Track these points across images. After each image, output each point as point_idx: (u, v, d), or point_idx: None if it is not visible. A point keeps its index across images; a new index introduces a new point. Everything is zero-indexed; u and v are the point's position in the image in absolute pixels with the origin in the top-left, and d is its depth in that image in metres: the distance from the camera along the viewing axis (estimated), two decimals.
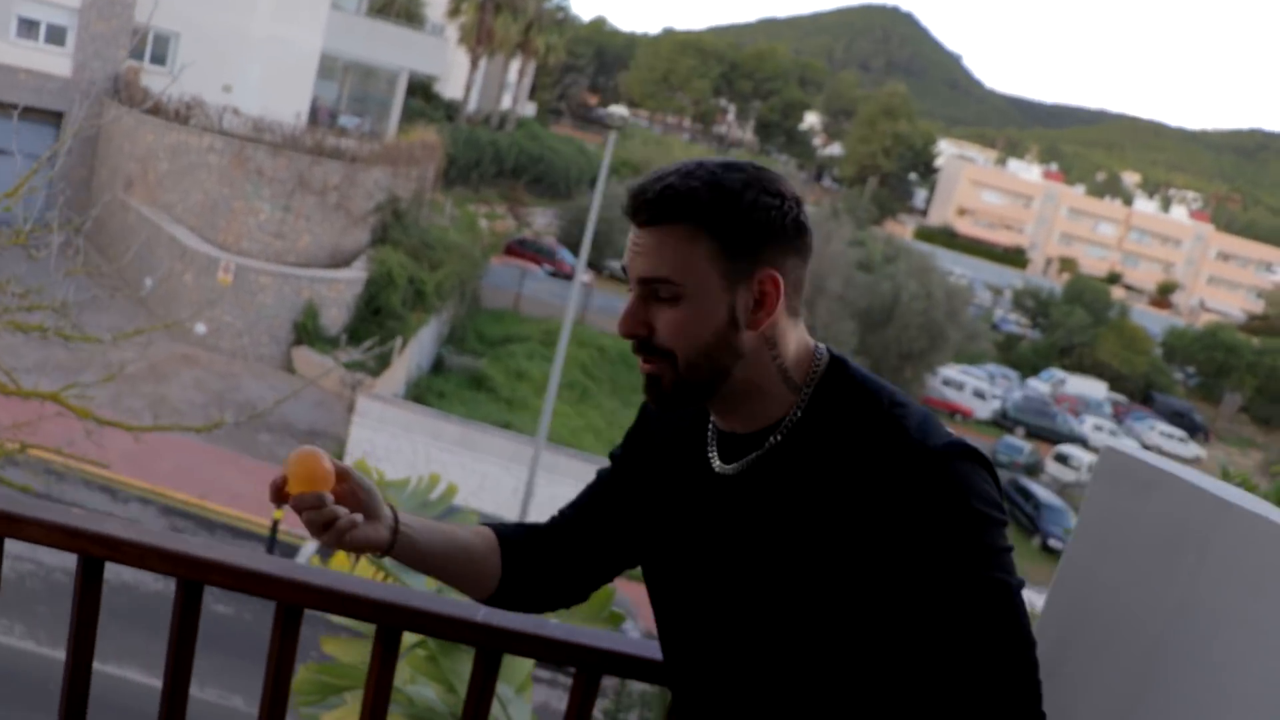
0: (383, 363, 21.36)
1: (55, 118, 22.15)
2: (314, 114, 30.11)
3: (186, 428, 5.85)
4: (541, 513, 19.09)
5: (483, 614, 1.62)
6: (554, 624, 1.68)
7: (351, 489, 1.34)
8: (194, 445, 16.96)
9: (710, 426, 1.36)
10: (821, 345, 1.31)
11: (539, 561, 1.50)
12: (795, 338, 1.28)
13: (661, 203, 1.22)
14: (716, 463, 1.32)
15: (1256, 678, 1.40)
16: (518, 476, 18.94)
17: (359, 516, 1.32)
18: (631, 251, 1.25)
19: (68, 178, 22.12)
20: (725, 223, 1.21)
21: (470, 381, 25.23)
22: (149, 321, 15.90)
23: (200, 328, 21.33)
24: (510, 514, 17.91)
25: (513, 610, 1.56)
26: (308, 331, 22.14)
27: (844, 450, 1.21)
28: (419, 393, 23.37)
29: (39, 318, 6.30)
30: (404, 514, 1.39)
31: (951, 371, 41.16)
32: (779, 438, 1.26)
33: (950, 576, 1.13)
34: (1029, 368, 48.42)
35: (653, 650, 1.62)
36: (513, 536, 1.51)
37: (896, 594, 1.15)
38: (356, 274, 23.56)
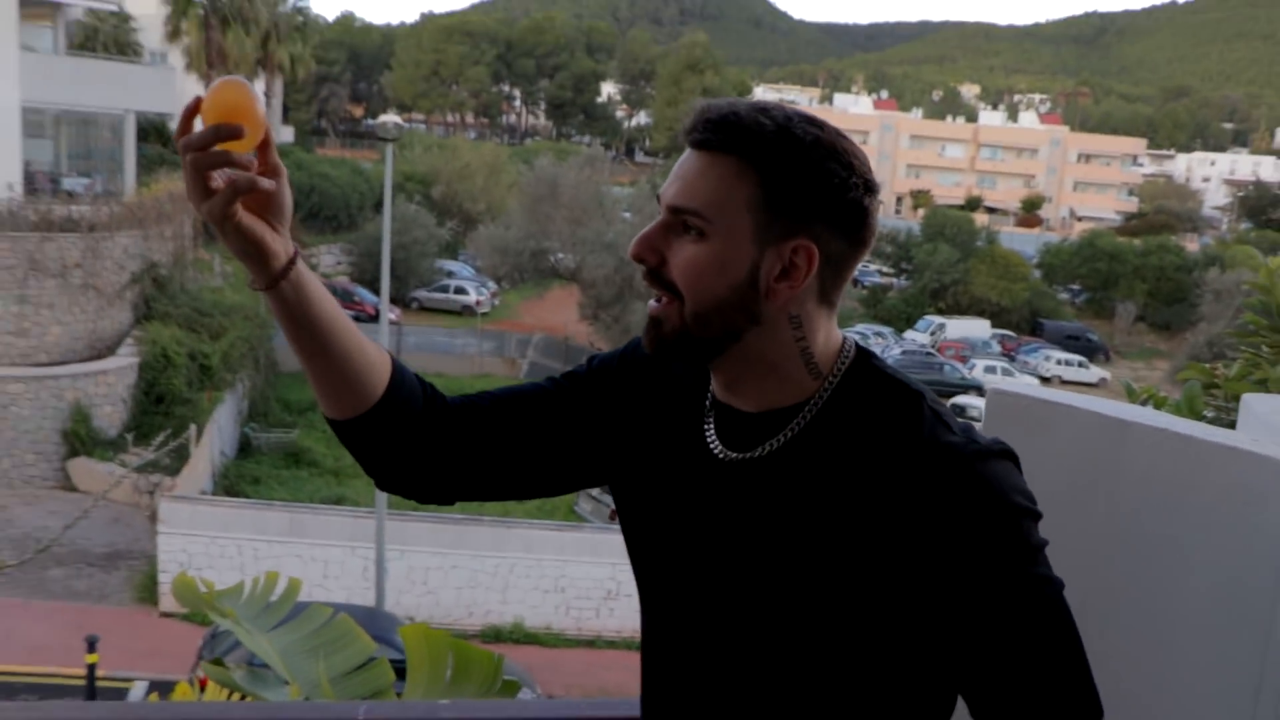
0: (180, 458, 20.93)
1: None
2: (30, 182, 29.14)
3: None
4: (402, 592, 19.05)
5: (363, 711, 1.63)
6: (445, 705, 1.69)
7: (273, 170, 1.27)
8: None
9: (709, 396, 1.39)
10: (850, 337, 1.34)
11: (425, 420, 1.44)
12: (825, 328, 1.30)
13: (723, 126, 1.24)
14: (716, 445, 1.35)
15: (1194, 590, 1.54)
16: (365, 555, 18.85)
17: (266, 182, 1.24)
18: (673, 175, 1.28)
19: None
20: (779, 172, 1.23)
21: (285, 458, 25.01)
22: None
23: None
24: (365, 600, 17.84)
25: (365, 455, 1.45)
26: (81, 439, 21.51)
27: (873, 445, 1.24)
28: (229, 483, 22.97)
29: None
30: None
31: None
32: (800, 425, 1.29)
33: (998, 578, 1.18)
34: (903, 320, 50.02)
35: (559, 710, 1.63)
36: (407, 375, 1.45)
37: (938, 600, 1.20)
38: (125, 360, 23.02)
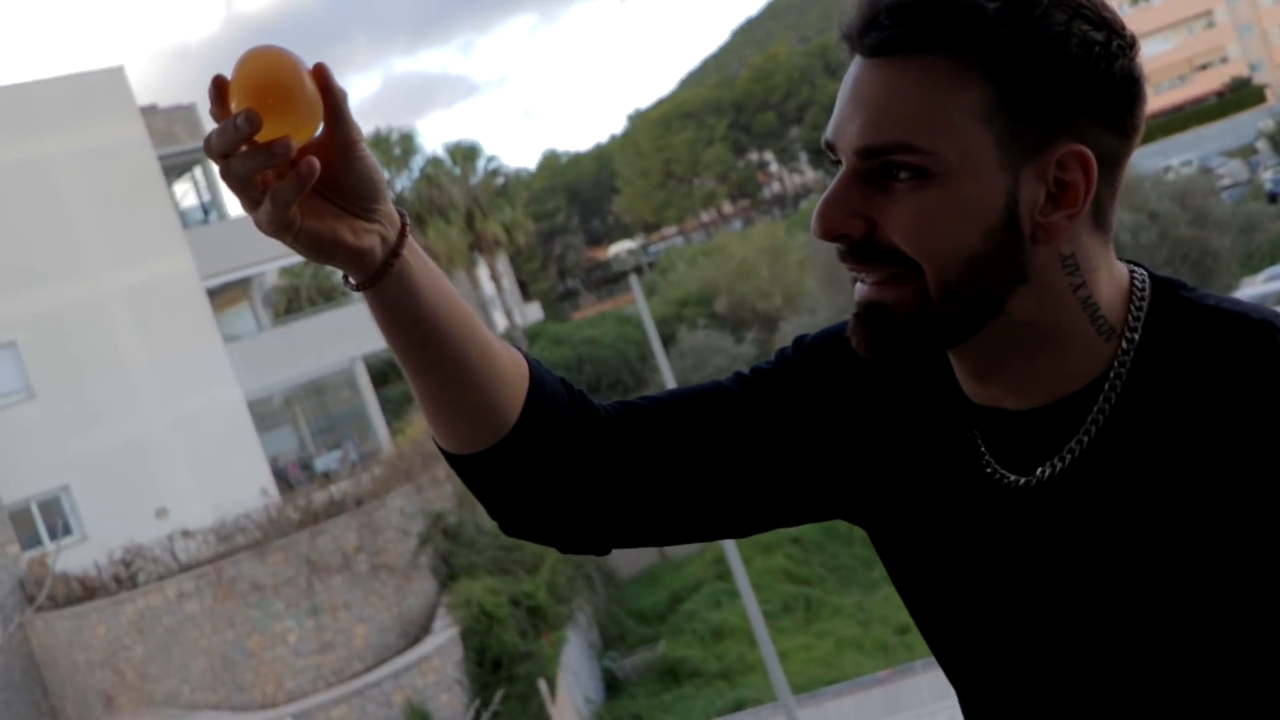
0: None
1: None
2: (281, 477, 31.09)
3: None
4: None
5: None
6: None
7: (341, 144, 1.14)
8: None
9: (961, 397, 1.27)
10: (1141, 269, 1.23)
11: (577, 438, 1.32)
12: (1107, 263, 1.20)
13: (918, 14, 1.10)
14: (994, 468, 1.24)
15: None
16: None
17: (306, 173, 1.09)
18: (848, 104, 1.15)
19: None
20: (1019, 57, 1.10)
21: (661, 678, 25.37)
22: None
23: None
24: None
25: (496, 498, 1.34)
26: None
27: (1216, 414, 1.11)
28: None
29: None
30: (414, 241, 1.21)
31: (1256, 288, 40.07)
32: (1104, 413, 1.17)
33: None
34: None
35: None
36: (549, 379, 1.33)
37: None
38: (444, 635, 23.93)
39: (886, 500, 1.34)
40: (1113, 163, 1.16)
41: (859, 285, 1.18)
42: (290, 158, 1.07)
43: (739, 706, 22.45)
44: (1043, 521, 1.20)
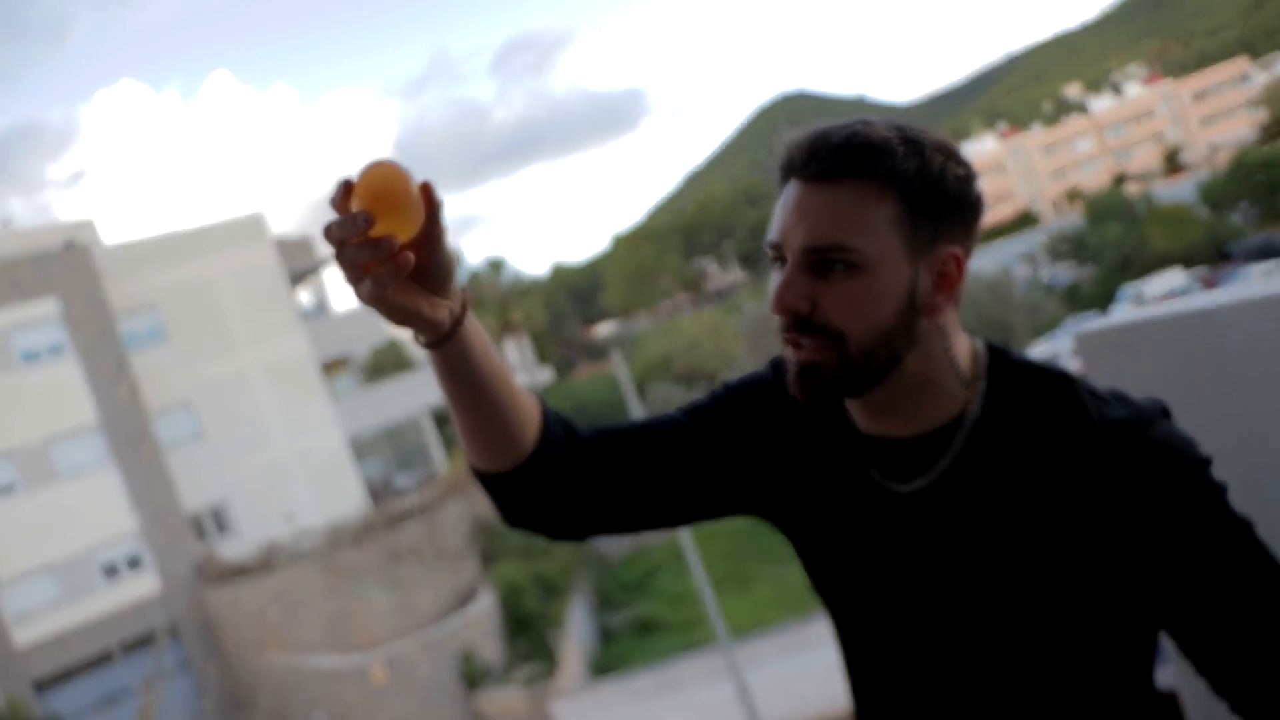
0: (553, 663, 21.23)
1: (171, 633, 23.02)
2: (372, 492, 31.07)
3: None
4: (772, 705, 18.45)
5: None
6: None
7: (430, 241, 1.05)
8: None
9: (852, 428, 1.20)
10: (974, 335, 1.19)
11: (571, 460, 1.24)
12: (958, 332, 1.15)
13: (848, 153, 1.07)
14: (883, 479, 1.17)
15: None
16: (727, 687, 18.42)
17: (405, 266, 1.01)
18: (792, 215, 1.10)
19: (205, 674, 22.77)
20: (917, 184, 1.07)
21: (638, 630, 25.14)
22: None
23: None
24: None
25: (513, 504, 1.24)
26: (474, 675, 22.13)
27: (1043, 442, 1.08)
28: (602, 667, 23.23)
29: None
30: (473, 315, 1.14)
31: (1038, 350, 40.41)
32: (964, 438, 1.12)
33: (1207, 536, 1.03)
34: (1104, 300, 47.21)
35: None
36: (553, 416, 1.25)
37: (1156, 579, 1.05)
38: (485, 602, 23.84)
39: (795, 504, 1.27)
40: (966, 263, 1.14)
41: (793, 350, 1.12)
42: (393, 252, 1.00)
43: (693, 647, 22.33)
44: (918, 520, 1.15)
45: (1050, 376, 1.12)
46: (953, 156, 1.10)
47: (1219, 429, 1.37)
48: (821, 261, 1.08)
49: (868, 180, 1.07)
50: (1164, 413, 1.08)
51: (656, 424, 1.30)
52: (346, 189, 0.99)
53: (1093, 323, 1.55)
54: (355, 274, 1.02)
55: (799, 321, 1.10)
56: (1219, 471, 1.07)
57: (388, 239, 0.98)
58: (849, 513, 1.20)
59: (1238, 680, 1.04)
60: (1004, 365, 1.15)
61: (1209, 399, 1.40)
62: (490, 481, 1.22)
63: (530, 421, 1.20)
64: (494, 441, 1.18)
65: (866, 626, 1.23)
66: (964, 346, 1.15)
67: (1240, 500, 1.05)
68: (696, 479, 1.28)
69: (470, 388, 1.14)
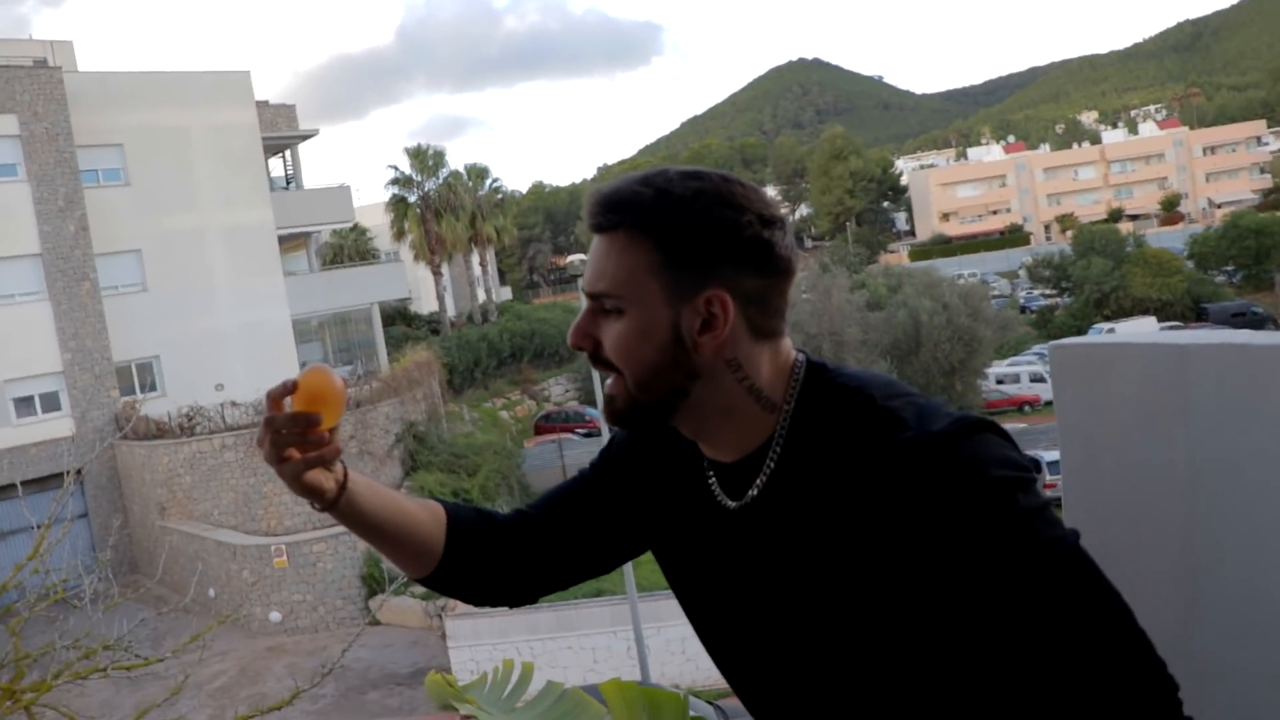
0: None
1: (77, 479, 22.83)
2: None
3: (274, 706, 5.87)
4: (665, 663, 18.82)
5: None
6: None
7: (334, 430, 1.24)
8: None
9: (705, 457, 1.28)
10: (801, 355, 1.21)
11: (488, 551, 1.40)
12: (770, 359, 1.18)
13: (606, 207, 1.17)
14: (721, 496, 1.24)
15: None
16: (626, 638, 18.75)
17: (331, 459, 1.23)
18: (587, 263, 1.21)
19: (104, 525, 22.73)
20: (668, 232, 1.14)
21: None
22: (219, 631, 16.07)
23: (275, 615, 21.52)
24: (632, 674, 17.65)
25: (447, 595, 1.45)
26: (376, 579, 22.26)
27: (842, 460, 1.11)
28: None
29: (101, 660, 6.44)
30: (353, 472, 1.30)
31: (1000, 368, 40.94)
32: (771, 464, 1.18)
33: (1001, 555, 1.03)
34: (1073, 332, 47.69)
35: None
36: (464, 519, 1.40)
37: (956, 594, 1.05)
38: None
39: (657, 528, 1.36)
40: (760, 298, 1.16)
41: (606, 382, 1.22)
42: (325, 442, 1.20)
43: (598, 594, 22.45)
44: (739, 535, 1.21)
45: (852, 393, 1.15)
46: (727, 201, 1.14)
47: (1171, 458, 1.46)
48: (600, 305, 1.18)
49: (620, 231, 1.15)
50: (975, 429, 1.07)
51: (568, 487, 1.44)
52: (290, 388, 1.18)
53: (1070, 339, 1.62)
54: (279, 453, 1.20)
55: (592, 357, 1.20)
56: (1157, 500, 1.11)
57: (321, 433, 1.20)
58: (693, 529, 1.28)
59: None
60: (816, 386, 1.18)
61: (1168, 429, 1.47)
62: (425, 584, 1.40)
63: (435, 535, 1.37)
64: (408, 557, 1.37)
65: (705, 634, 1.33)
66: (779, 370, 1.19)
67: (1174, 531, 1.08)
68: (602, 529, 1.41)
69: (368, 529, 1.32)
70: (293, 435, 1.19)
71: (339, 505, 1.27)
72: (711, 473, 1.25)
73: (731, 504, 1.22)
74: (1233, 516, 1.40)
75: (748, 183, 1.17)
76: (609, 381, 1.20)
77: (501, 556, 1.40)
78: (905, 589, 1.08)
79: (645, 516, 1.38)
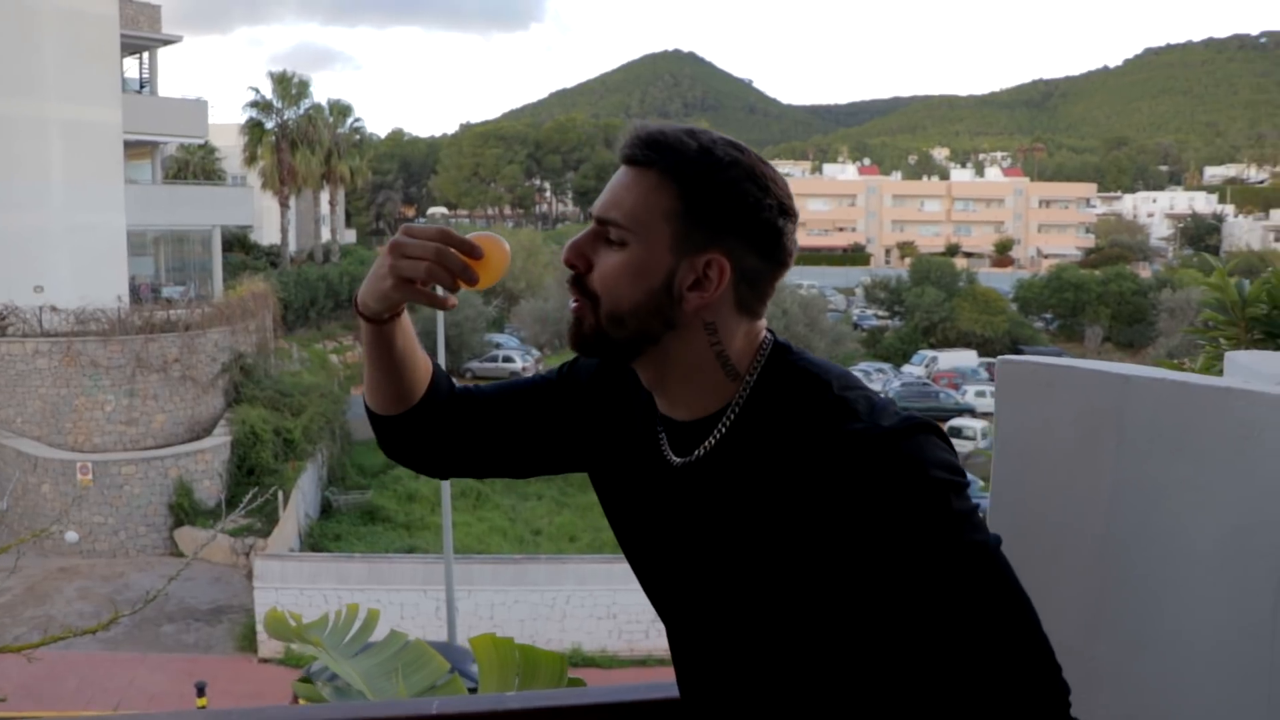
0: (270, 521, 20.91)
1: None
2: (135, 293, 29.53)
3: (76, 632, 5.66)
4: (471, 627, 18.85)
5: (436, 705, 1.56)
6: (511, 696, 1.62)
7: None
8: (95, 657, 16.31)
9: (657, 411, 1.30)
10: (769, 334, 1.24)
11: (444, 414, 1.46)
12: (744, 332, 1.21)
13: (647, 143, 1.18)
14: (668, 452, 1.26)
15: (1206, 533, 1.42)
16: (436, 597, 18.71)
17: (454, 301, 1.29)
18: (605, 189, 1.22)
19: None
20: (697, 186, 1.15)
21: (362, 516, 24.88)
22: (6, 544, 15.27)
23: (71, 535, 20.54)
24: (438, 635, 17.64)
25: (394, 443, 1.48)
26: (185, 510, 21.56)
27: (792, 439, 1.14)
28: (314, 541, 22.92)
29: None
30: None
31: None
32: (724, 429, 1.20)
33: (927, 552, 1.07)
34: (900, 356, 49.89)
35: (607, 695, 1.58)
36: (442, 379, 1.47)
37: (876, 581, 1.08)
38: (220, 440, 23.14)
39: (607, 468, 1.38)
40: (755, 278, 1.18)
41: (569, 302, 1.23)
42: (456, 285, 1.23)
43: (411, 550, 22.36)
44: (681, 492, 1.24)
45: (812, 378, 1.18)
46: (758, 180, 1.17)
47: (1098, 479, 1.54)
48: (605, 231, 1.19)
49: (653, 170, 1.16)
50: (918, 430, 1.10)
51: (525, 383, 1.47)
52: (477, 247, 1.23)
53: (1019, 357, 1.71)
54: (421, 251, 1.22)
55: (575, 278, 1.21)
56: (1078, 516, 1.17)
57: (466, 277, 1.23)
58: (636, 479, 1.31)
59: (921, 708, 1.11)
60: (779, 364, 1.21)
61: (1099, 451, 1.54)
62: (380, 421, 1.45)
63: (423, 380, 1.42)
64: (392, 393, 1.40)
65: (641, 579, 1.36)
66: (749, 343, 1.21)
67: (1090, 546, 1.13)
68: (540, 436, 1.44)
69: (387, 354, 1.36)
70: (452, 258, 1.22)
71: (393, 323, 1.33)
72: (662, 428, 1.27)
73: (677, 460, 1.24)
74: (1145, 539, 1.49)
75: (779, 174, 1.20)
76: (575, 305, 1.22)
77: (448, 421, 1.45)
78: (829, 568, 1.10)
79: (586, 444, 1.41)
